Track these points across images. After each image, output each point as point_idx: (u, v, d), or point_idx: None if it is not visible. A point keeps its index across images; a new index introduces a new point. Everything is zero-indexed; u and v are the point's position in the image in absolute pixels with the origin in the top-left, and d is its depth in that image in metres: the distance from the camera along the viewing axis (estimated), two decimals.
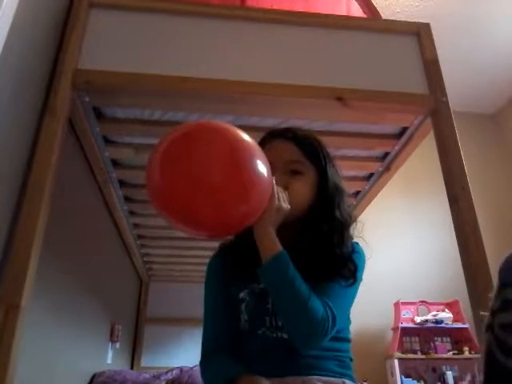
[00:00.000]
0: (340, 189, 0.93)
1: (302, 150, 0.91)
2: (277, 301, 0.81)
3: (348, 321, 0.93)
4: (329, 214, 0.88)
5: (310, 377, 0.81)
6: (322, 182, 0.91)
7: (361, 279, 0.89)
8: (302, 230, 0.89)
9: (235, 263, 0.91)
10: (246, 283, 0.89)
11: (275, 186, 0.81)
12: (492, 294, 0.49)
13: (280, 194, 0.82)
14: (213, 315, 0.93)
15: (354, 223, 0.93)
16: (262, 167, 0.77)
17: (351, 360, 0.91)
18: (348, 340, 0.93)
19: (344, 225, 0.89)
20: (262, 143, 0.94)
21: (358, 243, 0.94)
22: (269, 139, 0.95)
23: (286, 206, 0.82)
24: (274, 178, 0.81)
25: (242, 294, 0.89)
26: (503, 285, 0.48)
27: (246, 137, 0.79)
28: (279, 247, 0.80)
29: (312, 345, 0.80)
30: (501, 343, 0.45)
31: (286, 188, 0.86)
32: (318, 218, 0.88)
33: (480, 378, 2.84)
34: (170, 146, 0.77)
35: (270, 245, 0.80)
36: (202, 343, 0.92)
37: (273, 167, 0.84)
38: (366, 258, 0.92)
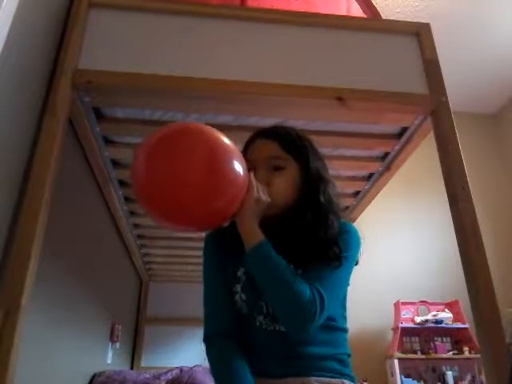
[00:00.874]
0: (325, 178, 0.94)
1: (281, 145, 0.94)
2: (263, 288, 0.83)
3: (343, 309, 0.94)
4: (313, 201, 0.90)
5: (310, 378, 0.82)
6: (305, 174, 0.93)
7: (354, 258, 0.90)
8: (287, 222, 0.90)
9: (230, 242, 0.93)
10: (243, 261, 0.90)
11: (253, 180, 0.85)
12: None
13: (259, 187, 0.86)
14: (212, 296, 0.95)
15: (340, 208, 0.95)
16: (238, 165, 0.83)
17: (349, 356, 0.92)
18: (344, 330, 0.93)
19: (328, 209, 0.91)
20: (248, 143, 0.98)
21: (350, 223, 0.96)
22: (252, 140, 0.98)
23: (265, 197, 0.86)
24: (252, 173, 0.87)
25: (239, 273, 0.91)
26: None
27: (223, 140, 0.85)
28: (260, 236, 0.83)
29: (302, 328, 0.80)
30: None
31: (267, 184, 0.89)
32: (302, 207, 0.90)
33: (480, 377, 2.84)
34: (155, 146, 0.82)
35: (251, 234, 0.84)
36: (205, 322, 0.93)
37: (255, 164, 0.91)
38: (361, 239, 0.93)
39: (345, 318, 0.94)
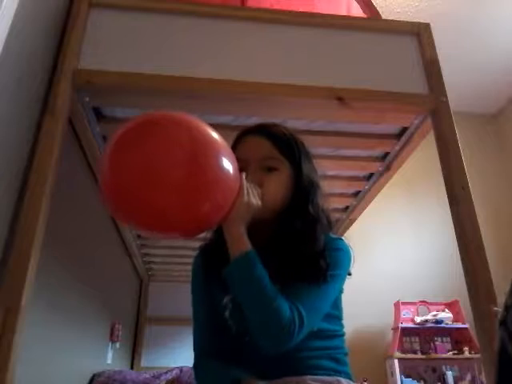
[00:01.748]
0: (315, 184, 0.90)
1: (275, 145, 0.89)
2: (241, 299, 0.78)
3: (335, 319, 0.91)
4: (302, 210, 0.86)
5: (304, 376, 0.81)
6: (296, 177, 0.89)
7: (344, 275, 0.87)
8: (276, 229, 0.87)
9: (214, 266, 0.88)
10: (228, 289, 0.86)
11: (244, 182, 0.79)
12: (507, 290, 0.48)
13: (250, 190, 0.80)
14: (200, 318, 0.93)
15: (329, 220, 0.90)
16: (227, 163, 0.72)
17: (346, 355, 0.90)
18: (340, 335, 0.91)
19: (317, 220, 0.86)
20: (237, 141, 0.93)
21: (341, 239, 0.91)
22: (242, 136, 0.93)
23: (256, 201, 0.80)
24: (243, 174, 0.80)
25: (225, 300, 0.86)
26: None
27: (209, 131, 0.74)
28: (247, 245, 0.78)
29: (279, 347, 0.76)
30: None
31: (260, 185, 0.83)
32: (291, 214, 0.86)
33: (480, 377, 2.84)
34: (122, 138, 0.69)
35: (238, 242, 0.78)
36: (194, 347, 0.91)
37: (247, 164, 0.84)
38: (354, 254, 0.89)
39: (341, 326, 0.92)
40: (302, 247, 0.83)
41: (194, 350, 0.91)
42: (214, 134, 0.74)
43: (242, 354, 0.87)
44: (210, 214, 0.73)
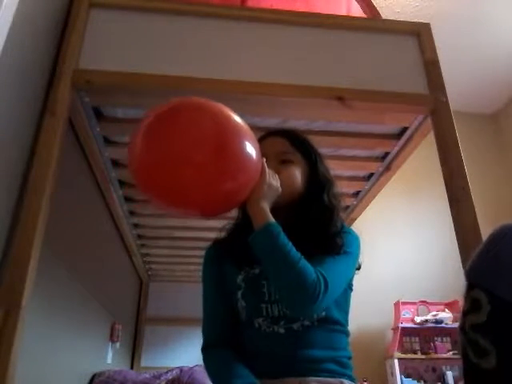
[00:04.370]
0: (330, 180, 0.98)
1: (292, 143, 0.97)
2: (267, 266, 0.82)
3: (346, 314, 0.94)
4: (317, 200, 0.93)
5: (308, 378, 0.82)
6: (312, 173, 0.97)
7: (356, 256, 0.91)
8: (292, 217, 0.92)
9: (229, 250, 0.94)
10: (241, 268, 0.91)
11: (265, 165, 0.84)
12: (463, 296, 0.48)
13: (271, 173, 0.86)
14: (212, 305, 0.95)
15: (340, 209, 0.97)
16: (250, 146, 0.76)
17: (350, 358, 0.91)
18: (346, 333, 0.93)
19: (331, 209, 0.94)
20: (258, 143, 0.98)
21: (351, 228, 0.97)
22: (263, 139, 1.00)
23: (276, 183, 0.86)
24: (264, 159, 0.85)
25: (238, 280, 0.91)
26: (470, 285, 0.48)
27: (234, 116, 0.78)
28: (271, 217, 0.82)
29: (306, 308, 0.79)
30: (473, 344, 0.45)
31: (278, 173, 0.89)
32: (307, 204, 0.93)
33: None
34: (154, 122, 0.75)
35: (262, 214, 0.82)
36: (203, 333, 0.94)
37: (266, 159, 0.88)
38: (361, 244, 0.94)
39: (347, 322, 0.94)
40: (319, 227, 0.90)
41: (204, 336, 0.94)
42: (238, 119, 0.78)
43: (247, 346, 0.89)
44: (233, 193, 0.77)
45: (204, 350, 0.92)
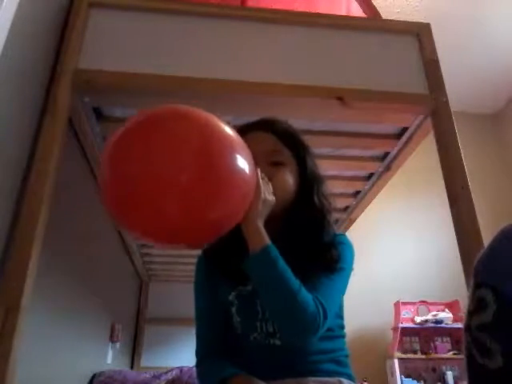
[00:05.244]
0: (318, 177, 0.92)
1: (281, 140, 0.90)
2: (265, 295, 0.77)
3: (340, 319, 0.92)
4: (307, 201, 0.88)
5: (306, 378, 0.81)
6: (301, 170, 0.91)
7: (350, 270, 0.88)
8: (284, 221, 0.88)
9: (221, 265, 0.90)
10: (233, 286, 0.88)
11: (260, 180, 0.76)
12: (468, 295, 0.48)
13: (264, 187, 0.78)
14: (204, 317, 0.93)
15: (331, 212, 0.92)
16: (243, 162, 0.64)
17: (347, 356, 0.91)
18: (342, 336, 0.92)
19: (323, 211, 0.89)
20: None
21: (343, 235, 0.93)
22: (246, 131, 0.90)
23: (271, 198, 0.79)
24: (258, 170, 0.77)
25: (230, 297, 0.88)
26: (477, 285, 0.47)
27: (221, 126, 0.65)
28: (267, 239, 0.77)
29: (304, 341, 0.78)
30: (478, 344, 0.44)
31: (270, 179, 0.82)
32: (297, 207, 0.87)
33: None
34: (122, 138, 0.60)
35: (259, 238, 0.76)
36: (196, 346, 0.92)
37: (254, 159, 0.79)
38: (355, 251, 0.91)
39: (342, 326, 0.93)
40: (312, 237, 0.85)
41: (197, 348, 0.91)
42: (227, 129, 0.65)
43: (244, 355, 0.87)
44: (222, 223, 0.66)
45: (198, 362, 0.90)
